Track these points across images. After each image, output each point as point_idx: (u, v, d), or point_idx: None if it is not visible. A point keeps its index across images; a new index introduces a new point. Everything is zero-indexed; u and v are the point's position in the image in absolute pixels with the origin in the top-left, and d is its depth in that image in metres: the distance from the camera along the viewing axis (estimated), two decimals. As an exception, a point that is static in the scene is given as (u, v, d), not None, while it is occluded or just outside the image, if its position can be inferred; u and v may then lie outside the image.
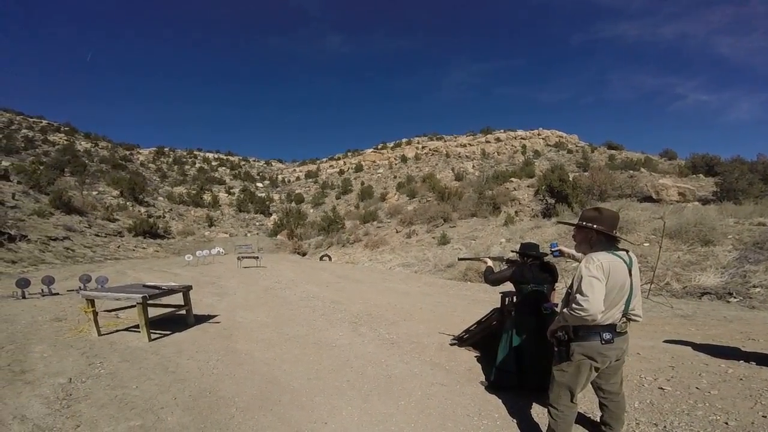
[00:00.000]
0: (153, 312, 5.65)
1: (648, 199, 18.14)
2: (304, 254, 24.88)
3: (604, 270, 2.12)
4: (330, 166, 69.96)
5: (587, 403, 3.07)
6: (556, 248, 2.93)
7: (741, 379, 3.29)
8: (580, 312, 2.09)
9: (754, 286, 6.94)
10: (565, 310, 2.25)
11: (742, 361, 3.70)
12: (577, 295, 2.13)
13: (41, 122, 57.04)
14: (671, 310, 6.29)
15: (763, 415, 2.71)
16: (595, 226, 2.27)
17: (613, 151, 45.44)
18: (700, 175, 22.80)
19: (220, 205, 47.10)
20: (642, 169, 27.16)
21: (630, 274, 2.21)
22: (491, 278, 3.51)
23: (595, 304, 2.06)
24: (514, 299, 3.70)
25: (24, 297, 8.02)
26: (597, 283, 2.09)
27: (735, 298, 6.78)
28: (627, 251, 2.29)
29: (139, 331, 5.18)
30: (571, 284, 2.26)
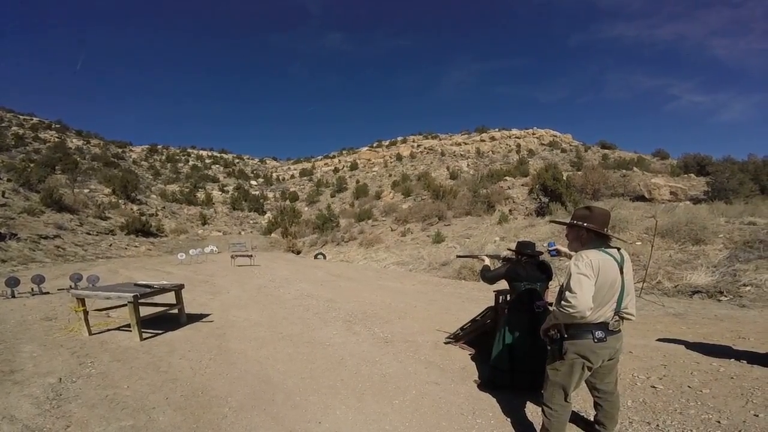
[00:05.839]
0: (145, 311, 5.59)
1: (640, 198, 18.32)
2: (298, 253, 24.81)
3: (593, 268, 2.13)
4: (325, 164, 69.78)
5: (580, 401, 3.07)
6: (554, 247, 2.93)
7: (732, 378, 3.32)
8: (568, 309, 2.09)
9: (745, 285, 7.01)
10: (554, 307, 2.26)
11: (733, 360, 3.72)
12: (566, 293, 2.13)
13: (32, 119, 56.23)
14: (663, 309, 6.34)
15: (754, 413, 2.73)
16: (585, 224, 2.27)
17: (606, 151, 45.78)
18: (692, 174, 23.06)
19: (213, 203, 46.78)
20: (635, 169, 27.41)
21: (621, 272, 2.21)
22: (487, 276, 3.51)
23: (583, 301, 2.06)
24: (508, 297, 3.70)
25: (13, 296, 7.91)
26: (585, 281, 2.09)
27: (726, 296, 6.85)
28: (619, 249, 2.29)
29: (131, 331, 5.13)
30: (563, 282, 2.27)
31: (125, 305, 5.21)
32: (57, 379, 3.76)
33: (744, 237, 9.30)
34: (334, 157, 71.53)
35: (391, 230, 22.26)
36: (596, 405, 2.59)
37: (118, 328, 5.57)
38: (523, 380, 3.26)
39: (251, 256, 16.31)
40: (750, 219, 10.95)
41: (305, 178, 64.64)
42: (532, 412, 3.02)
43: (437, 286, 9.73)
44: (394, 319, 6.15)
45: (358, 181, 53.42)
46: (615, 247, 2.29)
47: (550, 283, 3.41)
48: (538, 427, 2.62)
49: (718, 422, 2.68)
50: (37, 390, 3.50)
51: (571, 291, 2.10)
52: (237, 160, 74.58)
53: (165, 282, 6.35)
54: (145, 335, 5.14)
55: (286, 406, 3.24)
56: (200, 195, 48.34)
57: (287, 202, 49.44)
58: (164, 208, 39.25)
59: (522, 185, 25.42)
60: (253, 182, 63.00)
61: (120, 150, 60.67)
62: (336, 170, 64.49)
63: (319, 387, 3.61)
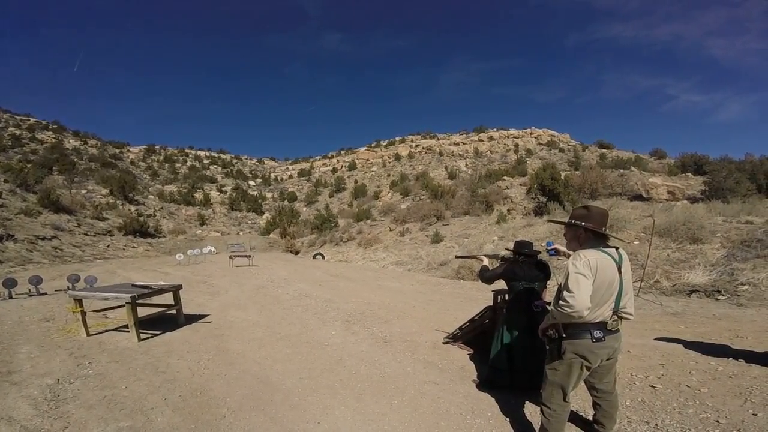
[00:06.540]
0: (143, 312, 5.57)
1: (638, 197, 18.37)
2: (297, 253, 24.78)
3: (591, 267, 2.12)
4: (323, 164, 69.79)
5: (579, 401, 3.08)
6: (552, 247, 2.94)
7: (730, 377, 3.33)
8: (566, 308, 2.09)
9: (742, 284, 7.03)
10: (552, 307, 2.26)
11: (731, 359, 3.73)
12: (564, 292, 2.13)
13: (29, 120, 56.13)
14: (661, 308, 6.36)
15: (753, 412, 2.74)
16: (583, 223, 2.27)
17: (603, 150, 45.93)
18: (689, 174, 23.13)
19: (211, 204, 46.73)
20: (632, 168, 27.49)
21: (619, 272, 2.21)
22: (486, 276, 3.51)
23: (580, 301, 2.07)
24: (506, 297, 3.70)
25: (11, 297, 7.88)
26: (583, 280, 2.09)
27: (723, 295, 6.87)
28: (617, 248, 2.29)
29: (129, 331, 5.11)
30: (561, 282, 2.27)
31: (123, 306, 5.19)
32: (55, 380, 3.74)
33: (741, 236, 9.33)
34: (332, 157, 71.53)
35: (390, 230, 22.25)
36: (595, 404, 2.59)
37: (116, 329, 5.55)
38: (522, 380, 3.26)
39: (249, 256, 16.27)
40: (747, 218, 10.98)
41: (303, 178, 64.62)
42: (531, 411, 3.02)
43: (436, 286, 9.73)
44: (393, 319, 6.15)
45: (356, 181, 53.43)
46: (613, 247, 2.29)
47: (548, 282, 3.41)
48: (537, 426, 2.62)
49: (717, 421, 2.69)
50: (35, 391, 3.49)
51: (568, 291, 2.10)
52: (235, 161, 74.51)
53: (163, 282, 6.33)
54: (143, 336, 5.13)
55: (285, 407, 3.23)
56: (198, 195, 48.27)
57: (285, 202, 49.42)
58: (162, 208, 39.17)
59: (520, 185, 25.46)
60: (252, 182, 62.95)
61: (117, 150, 60.56)
62: (334, 170, 64.49)
63: (317, 387, 3.60)
